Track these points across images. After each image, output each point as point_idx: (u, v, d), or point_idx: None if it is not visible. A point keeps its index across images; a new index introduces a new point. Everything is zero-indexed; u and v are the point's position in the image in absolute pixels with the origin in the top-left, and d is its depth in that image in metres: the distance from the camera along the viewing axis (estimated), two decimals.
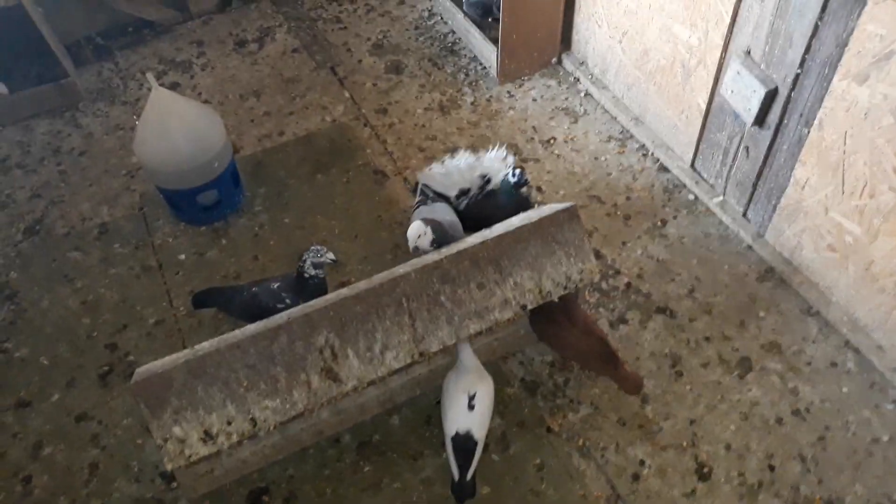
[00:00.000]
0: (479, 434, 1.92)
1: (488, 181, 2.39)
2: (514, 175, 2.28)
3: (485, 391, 1.96)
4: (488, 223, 2.14)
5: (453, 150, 2.56)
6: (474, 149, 2.53)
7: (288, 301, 2.07)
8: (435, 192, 2.43)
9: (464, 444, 1.90)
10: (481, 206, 2.37)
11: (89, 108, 3.21)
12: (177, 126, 2.46)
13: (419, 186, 2.47)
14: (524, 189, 2.31)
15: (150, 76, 2.45)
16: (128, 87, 3.31)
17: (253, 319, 1.96)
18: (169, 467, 1.74)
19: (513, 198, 2.30)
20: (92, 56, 3.45)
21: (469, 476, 1.90)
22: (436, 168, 2.46)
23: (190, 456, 1.75)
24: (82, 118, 3.16)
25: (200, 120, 2.54)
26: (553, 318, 2.07)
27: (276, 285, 2.12)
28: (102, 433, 2.15)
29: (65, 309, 2.46)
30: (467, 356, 1.96)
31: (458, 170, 2.41)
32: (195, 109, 2.57)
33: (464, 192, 2.41)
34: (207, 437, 1.77)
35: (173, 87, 3.27)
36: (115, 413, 2.18)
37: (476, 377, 1.97)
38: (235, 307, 2.19)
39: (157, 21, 3.57)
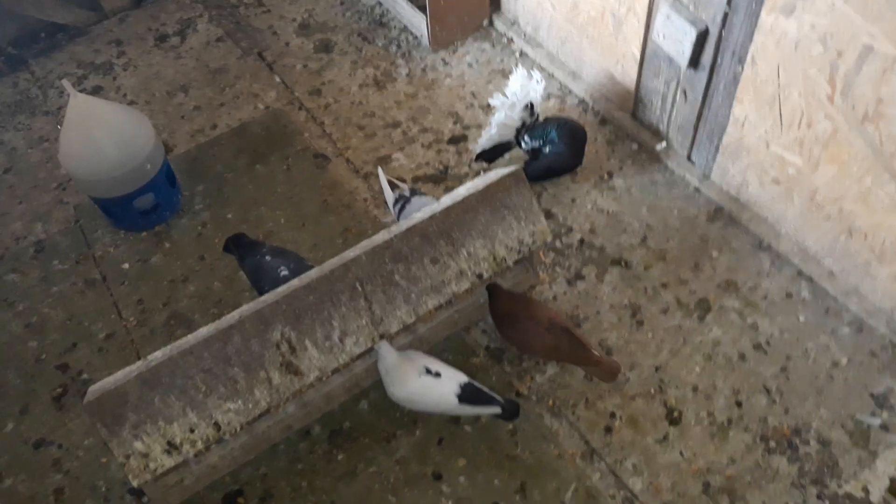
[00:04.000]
0: (463, 377, 1.94)
1: (532, 105, 2.53)
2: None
3: (423, 357, 1.98)
4: (545, 146, 2.50)
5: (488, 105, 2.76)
6: (500, 88, 2.70)
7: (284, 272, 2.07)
8: (498, 146, 2.61)
9: (469, 393, 1.92)
10: (537, 129, 2.54)
11: (9, 122, 3.06)
12: (101, 132, 2.36)
13: (382, 180, 2.42)
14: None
15: (65, 83, 2.34)
16: (48, 96, 3.17)
17: (252, 282, 2.19)
18: (135, 483, 1.69)
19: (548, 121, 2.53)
20: (5, 67, 3.29)
21: (502, 399, 1.93)
22: (484, 137, 2.60)
23: (155, 469, 1.71)
24: (3, 133, 3.02)
25: (126, 122, 2.44)
26: (517, 323, 2.04)
27: (282, 272, 2.07)
28: (64, 457, 2.07)
29: (8, 334, 2.36)
30: (387, 352, 1.91)
31: (508, 118, 2.52)
32: (119, 112, 2.47)
33: (520, 129, 2.56)
34: (171, 447, 1.72)
35: (96, 91, 3.14)
36: (75, 435, 2.11)
37: (405, 359, 1.95)
38: (246, 265, 2.21)
39: (70, 24, 3.41)
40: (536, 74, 2.51)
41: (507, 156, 2.64)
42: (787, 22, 1.90)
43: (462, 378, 1.94)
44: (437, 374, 1.92)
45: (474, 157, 2.66)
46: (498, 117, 2.53)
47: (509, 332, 2.09)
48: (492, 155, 2.63)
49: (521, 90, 2.49)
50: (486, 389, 1.95)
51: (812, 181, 2.10)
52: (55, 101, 3.12)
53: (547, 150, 2.51)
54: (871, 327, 2.13)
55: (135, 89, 3.14)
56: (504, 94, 2.55)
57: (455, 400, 1.90)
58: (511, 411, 1.96)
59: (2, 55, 3.31)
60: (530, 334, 2.02)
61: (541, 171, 2.54)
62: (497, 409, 1.94)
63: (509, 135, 2.57)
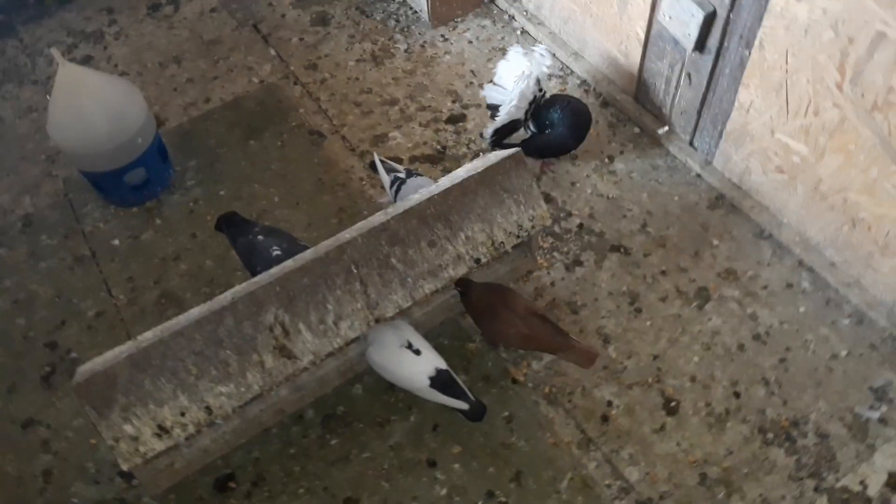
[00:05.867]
0: (442, 363, 1.91)
1: (539, 80, 2.42)
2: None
3: (410, 331, 1.95)
4: (548, 124, 2.45)
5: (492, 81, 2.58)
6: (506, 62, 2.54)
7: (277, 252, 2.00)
8: (510, 123, 2.49)
9: (442, 380, 1.89)
10: (542, 109, 2.47)
11: None
12: (91, 104, 2.30)
13: (377, 163, 2.36)
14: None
15: (55, 51, 2.27)
16: (36, 64, 3.08)
17: (244, 262, 2.10)
18: (125, 467, 1.66)
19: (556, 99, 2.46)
20: None
21: (472, 397, 1.89)
22: (503, 112, 2.47)
23: (146, 453, 1.68)
24: None
25: (117, 94, 2.37)
26: (494, 314, 2.00)
27: (275, 251, 2.00)
28: (52, 437, 2.04)
29: None
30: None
31: (527, 90, 2.41)
32: (110, 83, 2.40)
33: (531, 102, 2.46)
34: (162, 431, 1.69)
35: (86, 60, 3.06)
36: (64, 415, 2.08)
37: (391, 327, 1.93)
38: (238, 245, 2.14)
39: None
40: (539, 48, 2.43)
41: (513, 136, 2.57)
42: (797, 6, 1.85)
43: (441, 364, 1.91)
44: (417, 352, 1.90)
45: (489, 138, 2.51)
46: (519, 87, 2.40)
47: (489, 325, 2.04)
48: (504, 133, 2.52)
49: (533, 65, 2.39)
50: (461, 383, 1.91)
51: (817, 170, 2.06)
52: (44, 70, 3.04)
53: (548, 130, 2.45)
54: (871, 320, 2.11)
55: (126, 60, 3.06)
56: (494, 82, 2.49)
57: (426, 381, 1.88)
58: (477, 412, 1.91)
59: None
60: (506, 324, 1.98)
61: (538, 149, 2.49)
62: (464, 406, 1.89)
63: (522, 111, 2.46)
